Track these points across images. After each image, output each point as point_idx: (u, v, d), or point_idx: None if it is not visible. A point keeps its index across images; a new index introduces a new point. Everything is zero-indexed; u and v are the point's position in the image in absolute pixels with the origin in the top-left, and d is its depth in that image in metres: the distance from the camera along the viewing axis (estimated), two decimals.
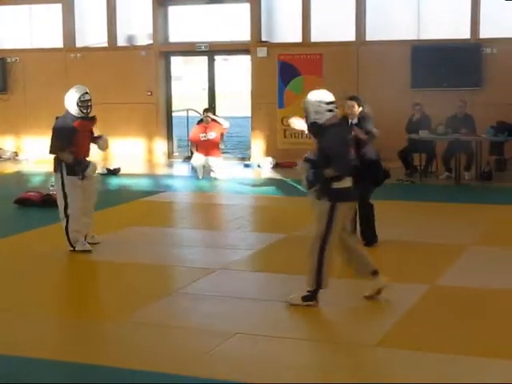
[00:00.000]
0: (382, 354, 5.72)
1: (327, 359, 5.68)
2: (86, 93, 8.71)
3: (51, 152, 8.76)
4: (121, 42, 18.17)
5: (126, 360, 5.65)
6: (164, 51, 17.84)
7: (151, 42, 17.78)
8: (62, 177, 8.68)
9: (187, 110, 19.83)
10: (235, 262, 8.53)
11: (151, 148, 17.88)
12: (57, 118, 8.93)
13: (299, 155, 14.72)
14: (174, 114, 18.55)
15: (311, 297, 6.75)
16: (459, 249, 8.79)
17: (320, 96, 6.79)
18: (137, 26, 18.27)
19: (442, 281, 7.60)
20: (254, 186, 14.19)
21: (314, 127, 6.82)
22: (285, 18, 17.13)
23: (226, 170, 14.92)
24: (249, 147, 17.48)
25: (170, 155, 18.14)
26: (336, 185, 6.67)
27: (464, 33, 15.51)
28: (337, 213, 6.65)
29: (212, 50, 17.57)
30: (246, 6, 16.90)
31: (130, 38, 18.26)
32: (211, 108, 16.58)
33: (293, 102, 16.56)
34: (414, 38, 16.04)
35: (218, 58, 18.94)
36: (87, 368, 5.53)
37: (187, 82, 25.23)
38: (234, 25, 17.44)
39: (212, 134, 15.05)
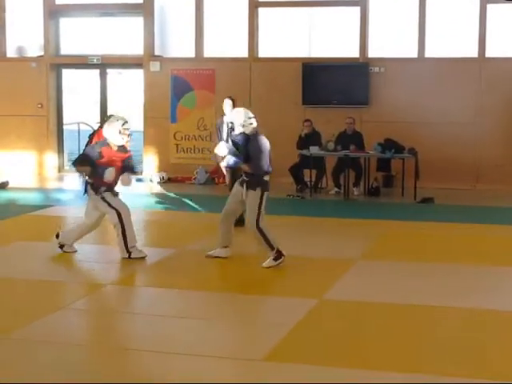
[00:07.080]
0: (268, 368, 5.74)
1: (213, 374, 5.68)
2: (127, 122, 8.83)
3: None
4: (11, 52, 17.84)
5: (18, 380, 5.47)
6: (55, 63, 17.59)
7: (42, 53, 17.52)
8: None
9: (78, 124, 19.59)
10: (125, 277, 8.46)
11: (41, 161, 17.58)
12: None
13: (191, 170, 14.61)
14: (65, 127, 18.30)
15: (278, 257, 8.62)
16: (347, 263, 8.95)
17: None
18: (27, 37, 17.96)
19: (330, 295, 7.73)
20: (145, 200, 14.11)
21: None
22: (178, 32, 17.18)
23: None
24: (141, 161, 17.40)
25: (60, 169, 17.88)
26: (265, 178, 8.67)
27: (353, 52, 15.91)
28: (264, 198, 8.64)
29: (104, 63, 17.44)
30: (140, 20, 16.86)
31: (20, 49, 17.93)
32: (103, 121, 16.05)
33: (186, 117, 16.63)
34: (306, 55, 16.36)
35: (112, 72, 18.79)
36: None
37: (80, 95, 24.89)
38: (128, 38, 17.36)
39: None
